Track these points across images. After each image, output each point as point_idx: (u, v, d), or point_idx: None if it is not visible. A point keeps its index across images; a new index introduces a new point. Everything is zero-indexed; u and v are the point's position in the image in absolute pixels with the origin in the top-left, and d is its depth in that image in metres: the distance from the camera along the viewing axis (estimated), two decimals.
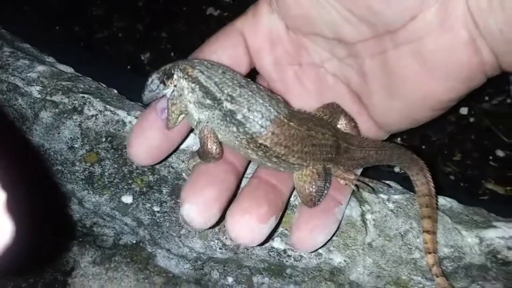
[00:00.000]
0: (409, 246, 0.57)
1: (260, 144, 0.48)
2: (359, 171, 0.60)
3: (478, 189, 0.81)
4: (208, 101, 0.48)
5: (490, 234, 0.56)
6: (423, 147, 0.85)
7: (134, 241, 0.70)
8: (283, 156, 0.49)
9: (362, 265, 0.58)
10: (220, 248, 0.62)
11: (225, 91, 0.47)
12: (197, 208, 0.48)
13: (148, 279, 0.71)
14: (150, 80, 0.53)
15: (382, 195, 0.59)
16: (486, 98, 0.90)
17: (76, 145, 0.64)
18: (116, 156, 0.63)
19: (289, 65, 0.58)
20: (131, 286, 0.71)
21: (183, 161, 0.61)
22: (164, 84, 0.51)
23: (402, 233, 0.57)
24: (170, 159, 0.61)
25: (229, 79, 0.49)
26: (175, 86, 0.51)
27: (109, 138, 0.63)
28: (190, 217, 0.48)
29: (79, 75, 0.69)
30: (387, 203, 0.59)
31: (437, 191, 0.59)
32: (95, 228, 0.71)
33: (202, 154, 0.51)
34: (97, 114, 0.63)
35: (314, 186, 0.51)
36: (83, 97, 0.64)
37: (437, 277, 0.54)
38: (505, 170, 0.83)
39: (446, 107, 0.52)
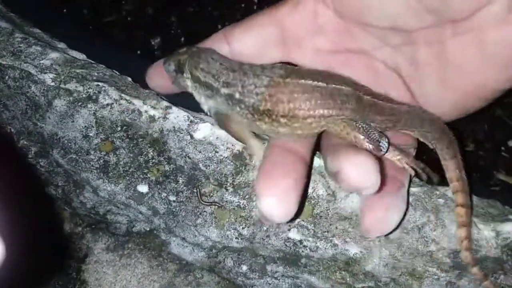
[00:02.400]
0: (425, 239, 0.57)
1: (263, 111, 0.49)
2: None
3: (490, 180, 0.81)
4: (209, 92, 0.54)
5: (507, 228, 0.57)
6: None
7: (148, 229, 0.71)
8: (291, 113, 0.49)
9: (378, 256, 0.59)
10: (236, 238, 0.62)
11: (221, 80, 0.52)
12: (276, 200, 0.46)
13: (161, 266, 0.72)
14: (166, 69, 0.59)
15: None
16: None
17: (90, 134, 0.63)
18: (132, 145, 0.63)
19: (335, 53, 0.56)
20: (145, 272, 0.72)
21: (199, 152, 0.60)
22: (178, 73, 0.58)
23: (419, 226, 0.57)
24: (187, 149, 0.61)
25: (224, 68, 0.52)
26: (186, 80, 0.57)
27: (124, 127, 0.63)
28: (270, 210, 0.46)
29: (92, 62, 0.67)
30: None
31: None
32: (109, 216, 0.72)
33: (236, 137, 0.55)
34: (112, 103, 0.62)
35: (367, 136, 0.49)
36: (98, 85, 0.63)
37: (466, 250, 0.53)
38: None
39: (496, 97, 0.52)
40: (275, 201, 0.46)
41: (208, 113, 0.57)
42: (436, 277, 0.58)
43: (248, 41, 0.57)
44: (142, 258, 0.73)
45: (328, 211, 0.59)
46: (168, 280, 0.71)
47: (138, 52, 0.89)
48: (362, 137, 0.49)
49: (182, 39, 0.91)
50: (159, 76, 0.61)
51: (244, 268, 0.66)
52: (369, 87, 0.54)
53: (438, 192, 0.59)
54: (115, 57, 0.83)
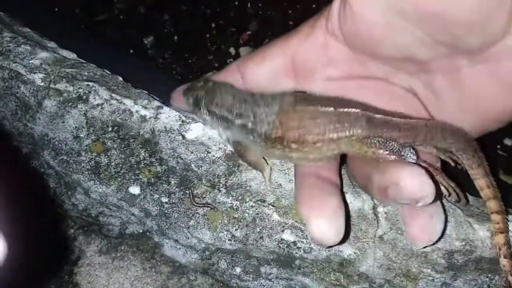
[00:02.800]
0: None
1: (274, 138, 0.50)
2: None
3: None
4: (225, 124, 0.55)
5: None
6: None
7: (141, 231, 0.70)
8: (301, 138, 0.50)
9: (373, 257, 0.58)
10: (229, 239, 0.61)
11: (234, 112, 0.54)
12: (327, 221, 0.47)
13: (155, 268, 0.71)
14: (185, 101, 0.61)
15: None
16: None
17: (81, 135, 0.63)
18: (123, 146, 0.62)
19: (347, 80, 0.56)
20: (138, 275, 0.71)
21: (191, 152, 0.59)
22: (195, 107, 0.59)
23: None
24: (178, 149, 0.60)
25: (237, 100, 0.54)
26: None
27: (116, 128, 0.62)
28: (322, 233, 0.46)
29: (83, 61, 0.67)
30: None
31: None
32: (101, 218, 0.71)
33: (252, 166, 0.57)
34: (103, 103, 0.61)
35: (378, 148, 0.49)
36: (88, 85, 0.62)
37: (505, 258, 0.53)
38: None
39: None
40: (326, 222, 0.46)
41: (228, 143, 0.59)
42: (431, 278, 0.58)
43: (261, 73, 0.58)
44: (135, 261, 0.72)
45: None
46: (162, 283, 0.71)
47: (131, 51, 0.88)
48: (381, 151, 0.49)
49: (175, 37, 0.90)
50: (182, 100, 0.64)
51: (238, 270, 0.66)
52: (383, 108, 0.53)
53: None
54: (107, 56, 0.83)
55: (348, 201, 0.58)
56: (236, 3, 0.95)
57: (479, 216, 0.58)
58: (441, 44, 0.47)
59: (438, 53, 0.49)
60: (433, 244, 0.55)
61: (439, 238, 0.52)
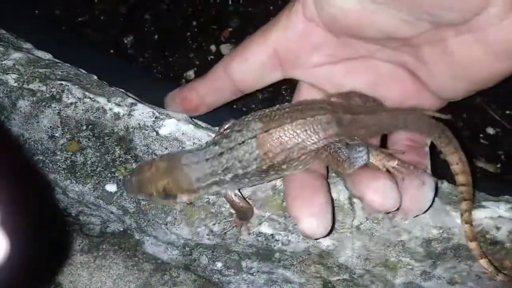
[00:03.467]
0: (397, 228, 0.56)
1: (266, 168, 0.52)
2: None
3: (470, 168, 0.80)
4: (213, 186, 0.54)
5: (479, 215, 0.56)
6: None
7: (122, 229, 0.70)
8: (288, 158, 0.52)
9: (351, 248, 0.58)
10: (207, 235, 0.61)
11: (219, 171, 0.53)
12: (316, 219, 0.50)
13: (137, 266, 0.71)
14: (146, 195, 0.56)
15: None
16: None
17: (56, 134, 0.62)
18: (98, 144, 0.62)
19: (334, 63, 0.57)
20: (120, 273, 0.71)
21: (166, 148, 0.59)
22: (169, 198, 0.55)
23: (390, 216, 0.56)
24: (153, 146, 0.60)
25: (212, 160, 0.53)
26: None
27: (90, 126, 0.62)
28: (312, 230, 0.49)
29: (57, 61, 0.66)
30: None
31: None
32: (81, 217, 0.71)
33: (241, 214, 0.56)
34: (76, 102, 0.61)
35: (340, 157, 0.51)
36: (61, 84, 0.62)
37: (471, 241, 0.54)
38: (496, 148, 0.82)
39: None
40: (314, 220, 0.50)
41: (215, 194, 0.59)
42: (410, 267, 0.57)
43: (247, 70, 0.59)
44: (117, 259, 0.71)
45: None
46: (144, 280, 0.70)
47: (111, 51, 0.88)
48: (335, 156, 0.52)
49: (156, 36, 0.90)
50: (176, 105, 0.65)
51: (219, 265, 0.65)
52: (348, 99, 0.56)
53: None
54: (88, 57, 0.82)
55: None
56: (217, 0, 0.95)
57: (456, 204, 0.57)
58: (423, 20, 0.48)
59: (421, 29, 0.49)
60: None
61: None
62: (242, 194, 0.56)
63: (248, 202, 0.57)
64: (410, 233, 0.56)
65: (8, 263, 0.32)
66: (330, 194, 0.54)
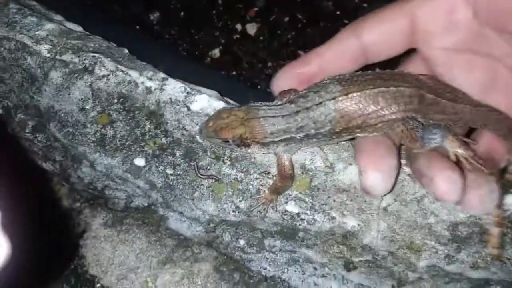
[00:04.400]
0: (424, 211, 0.56)
1: (340, 130, 0.52)
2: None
3: None
4: (282, 144, 0.55)
5: (508, 200, 0.56)
6: None
7: (146, 204, 0.70)
8: (363, 124, 0.52)
9: (376, 229, 0.58)
10: (233, 211, 0.61)
11: (293, 129, 0.53)
12: (382, 176, 0.50)
13: (159, 241, 0.72)
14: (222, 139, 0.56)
15: (401, 160, 0.58)
16: None
17: (87, 107, 0.63)
18: (128, 118, 0.62)
19: (461, 52, 0.55)
20: (143, 248, 0.72)
21: (196, 124, 0.60)
22: (241, 146, 0.56)
23: (418, 198, 0.56)
24: (183, 121, 0.60)
25: (287, 118, 0.53)
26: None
27: (121, 100, 0.62)
28: (375, 184, 0.50)
29: (89, 34, 0.67)
30: (405, 167, 0.58)
31: None
32: (107, 191, 0.72)
33: (281, 184, 0.57)
34: (108, 75, 0.62)
35: (415, 134, 0.52)
36: (94, 56, 0.62)
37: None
38: None
39: None
40: (380, 177, 0.50)
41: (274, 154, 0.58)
42: (434, 250, 0.58)
43: (376, 34, 0.56)
44: (140, 234, 0.73)
45: (326, 183, 0.58)
46: (166, 256, 0.71)
47: (137, 27, 0.88)
48: (410, 133, 0.52)
49: (182, 13, 0.90)
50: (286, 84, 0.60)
51: (242, 242, 0.66)
52: (436, 83, 0.55)
53: None
54: (114, 32, 0.82)
55: (353, 172, 0.58)
56: None
57: None
58: None
59: None
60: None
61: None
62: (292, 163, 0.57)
63: (294, 172, 0.57)
64: (437, 216, 0.56)
65: (11, 264, 0.33)
66: (400, 162, 0.55)
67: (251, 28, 0.89)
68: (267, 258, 0.67)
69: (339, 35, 0.59)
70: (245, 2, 0.91)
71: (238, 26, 0.89)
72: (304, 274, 0.67)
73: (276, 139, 0.54)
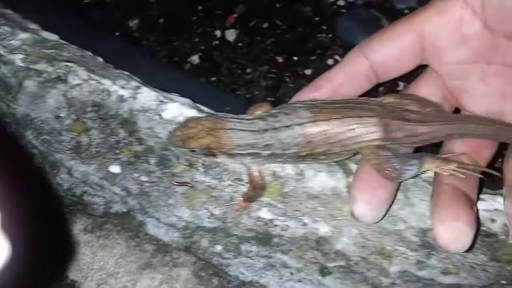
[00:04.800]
0: (393, 218, 0.57)
1: (304, 155, 0.53)
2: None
3: None
4: (249, 158, 0.55)
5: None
6: None
7: (125, 210, 0.71)
8: (327, 151, 0.53)
9: (347, 235, 0.59)
10: (208, 218, 0.62)
11: (260, 146, 0.54)
12: (370, 208, 0.51)
13: (139, 246, 0.72)
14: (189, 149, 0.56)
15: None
16: None
17: (62, 115, 0.63)
18: (103, 126, 0.63)
19: (475, 64, 0.54)
20: (123, 253, 0.72)
21: (169, 132, 0.60)
22: (209, 156, 0.56)
23: None
24: (156, 129, 0.61)
25: (256, 133, 0.53)
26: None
27: (95, 108, 0.62)
28: (363, 214, 0.51)
29: (64, 42, 0.67)
30: None
31: None
32: (85, 197, 0.72)
33: (253, 193, 0.58)
34: (81, 83, 0.62)
35: (388, 166, 0.52)
36: (67, 65, 0.63)
37: None
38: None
39: None
40: (369, 209, 0.51)
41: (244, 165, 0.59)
42: (405, 256, 0.59)
43: (385, 53, 0.56)
44: (120, 239, 0.73)
45: (297, 190, 0.59)
46: (146, 261, 0.72)
47: (117, 33, 0.88)
48: (383, 165, 0.52)
49: (161, 20, 0.90)
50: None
51: (219, 248, 0.67)
52: (402, 106, 0.55)
53: None
54: (92, 39, 0.83)
55: (323, 179, 0.59)
56: None
57: None
58: None
59: None
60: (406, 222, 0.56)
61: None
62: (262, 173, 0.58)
63: (265, 182, 0.58)
64: (406, 223, 0.57)
65: (12, 265, 0.33)
66: (396, 191, 0.55)
67: (231, 35, 0.90)
68: (245, 263, 0.67)
69: (348, 56, 0.59)
70: (225, 9, 0.92)
71: (218, 33, 0.90)
72: (281, 279, 0.68)
73: (242, 152, 0.54)
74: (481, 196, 0.58)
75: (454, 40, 0.54)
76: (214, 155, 0.55)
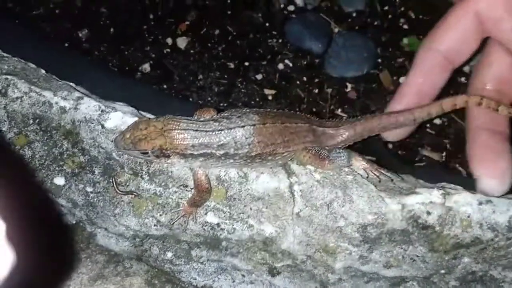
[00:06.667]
0: (334, 215, 0.59)
1: (254, 156, 0.56)
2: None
3: (415, 156, 0.84)
4: (201, 158, 0.56)
5: (411, 200, 0.59)
6: None
7: (74, 222, 0.70)
8: (274, 151, 0.57)
9: (292, 234, 0.60)
10: (155, 225, 0.62)
11: (215, 145, 0.56)
12: (496, 181, 0.58)
13: (90, 257, 0.72)
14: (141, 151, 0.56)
15: (309, 167, 0.61)
16: None
17: (3, 128, 0.63)
18: (46, 138, 0.62)
19: None
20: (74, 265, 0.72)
21: (111, 141, 0.60)
22: (161, 157, 0.57)
23: (327, 203, 0.59)
24: (99, 139, 0.61)
25: (212, 133, 0.56)
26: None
27: (37, 120, 0.62)
28: (491, 189, 0.58)
29: (5, 55, 0.67)
30: (314, 174, 0.60)
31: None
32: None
33: (198, 197, 0.58)
34: (22, 96, 0.62)
35: (320, 156, 0.59)
36: (7, 79, 0.62)
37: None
38: (442, 137, 0.86)
39: None
40: (495, 182, 0.58)
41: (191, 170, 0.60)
42: (348, 251, 0.60)
43: (451, 39, 0.63)
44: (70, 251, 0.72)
45: (241, 192, 0.60)
46: (97, 272, 0.71)
47: (66, 44, 0.88)
48: (316, 159, 0.59)
49: (112, 30, 0.90)
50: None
51: (169, 255, 0.67)
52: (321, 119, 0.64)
53: (346, 169, 0.61)
54: (41, 50, 0.82)
55: (265, 181, 0.60)
56: None
57: (391, 191, 0.60)
58: None
59: None
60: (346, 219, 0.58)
61: None
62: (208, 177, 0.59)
63: (211, 185, 0.59)
64: (347, 219, 0.59)
65: (17, 273, 0.33)
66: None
67: (182, 42, 0.90)
68: (196, 269, 0.68)
69: (417, 58, 0.65)
70: (177, 17, 0.93)
71: (169, 40, 0.90)
72: (234, 281, 0.69)
73: (195, 152, 0.56)
74: (417, 190, 0.61)
75: (507, 9, 0.60)
76: (167, 157, 0.56)
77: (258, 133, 0.56)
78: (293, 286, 0.66)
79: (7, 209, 0.34)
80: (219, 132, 0.56)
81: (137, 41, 0.90)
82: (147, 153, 0.55)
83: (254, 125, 0.56)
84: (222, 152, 0.56)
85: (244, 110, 0.59)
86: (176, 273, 0.69)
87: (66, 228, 0.72)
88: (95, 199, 0.63)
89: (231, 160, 0.57)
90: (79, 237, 0.72)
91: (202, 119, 0.58)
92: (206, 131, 0.56)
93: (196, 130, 0.56)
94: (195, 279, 0.69)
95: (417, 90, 0.65)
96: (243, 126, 0.56)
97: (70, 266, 0.72)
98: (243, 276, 0.68)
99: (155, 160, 0.57)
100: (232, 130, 0.56)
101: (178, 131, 0.55)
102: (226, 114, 0.58)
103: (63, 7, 0.92)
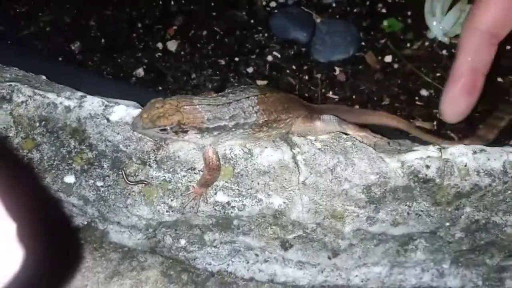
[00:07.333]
0: (338, 179, 0.61)
1: (262, 123, 0.61)
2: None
3: None
4: (215, 132, 0.60)
5: (410, 157, 0.61)
6: (354, 96, 0.91)
7: (85, 222, 0.72)
8: (278, 118, 0.62)
9: (300, 203, 0.62)
10: (167, 211, 0.64)
11: (227, 117, 0.60)
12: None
13: (104, 256, 0.73)
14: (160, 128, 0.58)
15: (309, 137, 0.63)
16: (408, 44, 0.97)
17: (11, 134, 0.64)
18: (53, 139, 0.64)
19: None
20: (88, 266, 0.73)
21: (118, 133, 0.62)
22: (179, 133, 0.59)
23: (331, 168, 0.61)
24: (105, 132, 0.63)
25: (222, 106, 0.60)
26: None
27: (43, 122, 0.64)
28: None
29: (4, 66, 0.69)
30: (314, 143, 0.63)
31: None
32: None
33: (208, 176, 0.61)
34: (26, 100, 0.64)
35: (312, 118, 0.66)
36: (11, 85, 0.64)
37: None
38: (431, 108, 0.90)
39: None
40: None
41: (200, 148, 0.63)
42: (355, 214, 0.62)
43: (493, 14, 0.64)
44: (84, 253, 0.73)
45: (248, 168, 0.62)
46: (113, 269, 0.72)
47: (60, 58, 0.90)
48: (311, 121, 0.65)
49: (102, 40, 0.93)
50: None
51: (183, 242, 0.68)
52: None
53: (345, 136, 0.64)
54: (36, 66, 0.85)
55: (269, 154, 0.62)
56: (160, 2, 1.00)
57: (390, 152, 0.63)
58: None
59: None
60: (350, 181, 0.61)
61: None
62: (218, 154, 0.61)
63: (220, 163, 0.61)
64: (351, 182, 0.61)
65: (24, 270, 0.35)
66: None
67: (172, 45, 0.94)
68: (210, 253, 0.69)
69: (462, 38, 0.67)
70: (164, 23, 0.96)
71: (159, 45, 0.93)
72: (248, 263, 0.70)
73: (211, 126, 0.59)
74: (414, 148, 0.64)
75: None
76: (185, 132, 0.58)
77: (262, 101, 0.61)
78: (306, 258, 0.68)
79: (18, 210, 0.36)
80: (229, 104, 0.60)
81: (128, 49, 0.93)
82: (166, 129, 0.58)
83: (256, 95, 0.61)
84: (234, 122, 0.60)
85: (244, 86, 0.65)
86: (191, 261, 0.70)
87: (76, 229, 0.73)
88: (106, 193, 0.64)
89: (241, 130, 0.61)
90: (91, 238, 0.73)
91: (210, 96, 0.63)
92: (217, 105, 0.60)
93: (209, 105, 0.60)
94: (210, 264, 0.70)
95: (469, 69, 0.67)
96: (247, 97, 0.61)
97: (77, 264, 0.73)
98: (257, 255, 0.69)
99: (173, 137, 0.60)
100: (239, 101, 0.60)
101: (193, 107, 0.59)
102: (230, 90, 0.63)
103: (53, 24, 0.95)
